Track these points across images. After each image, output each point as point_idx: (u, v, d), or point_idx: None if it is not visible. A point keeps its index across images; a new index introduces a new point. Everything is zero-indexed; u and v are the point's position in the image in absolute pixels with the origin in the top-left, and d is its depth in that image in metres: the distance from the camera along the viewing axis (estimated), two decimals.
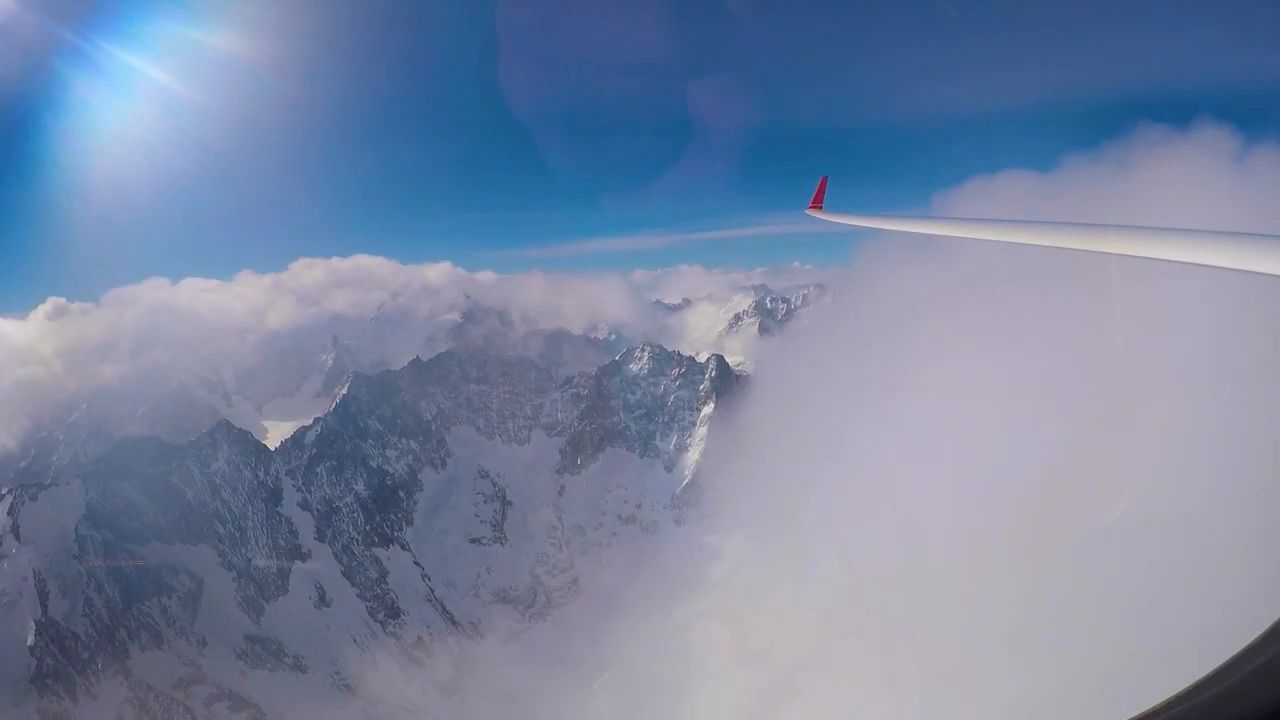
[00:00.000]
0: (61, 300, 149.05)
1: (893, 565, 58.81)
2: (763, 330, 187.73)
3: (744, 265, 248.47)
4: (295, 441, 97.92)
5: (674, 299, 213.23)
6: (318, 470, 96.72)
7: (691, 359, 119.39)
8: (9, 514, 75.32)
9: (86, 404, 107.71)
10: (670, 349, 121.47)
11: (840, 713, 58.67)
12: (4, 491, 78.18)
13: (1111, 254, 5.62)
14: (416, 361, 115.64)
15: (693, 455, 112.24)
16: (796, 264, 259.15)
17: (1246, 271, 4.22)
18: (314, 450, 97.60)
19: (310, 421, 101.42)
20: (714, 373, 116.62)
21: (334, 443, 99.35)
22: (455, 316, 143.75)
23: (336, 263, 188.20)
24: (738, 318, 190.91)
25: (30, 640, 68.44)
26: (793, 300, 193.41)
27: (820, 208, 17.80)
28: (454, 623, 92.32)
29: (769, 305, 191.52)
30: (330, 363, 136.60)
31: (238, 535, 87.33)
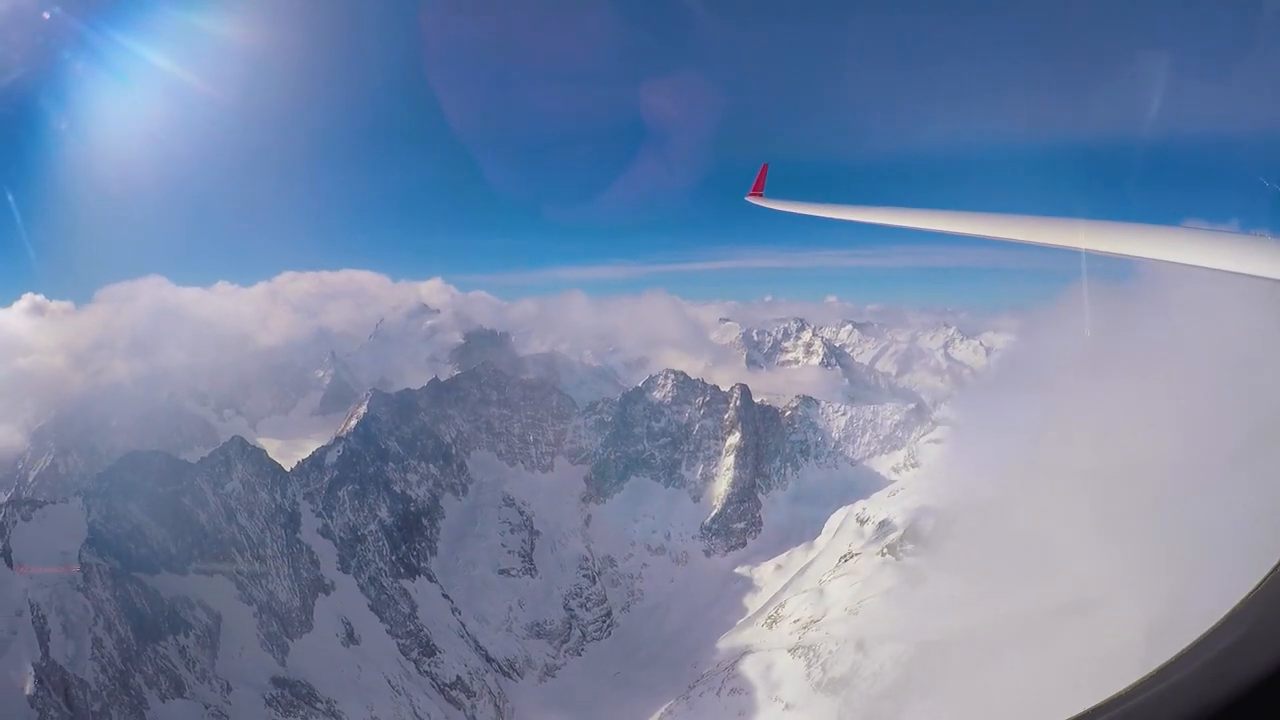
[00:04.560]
0: (39, 297, 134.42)
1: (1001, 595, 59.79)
2: (750, 363, 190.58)
3: (719, 297, 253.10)
4: (314, 463, 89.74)
5: None
6: (339, 494, 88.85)
7: (715, 388, 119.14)
8: None
9: (56, 410, 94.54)
10: (694, 377, 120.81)
11: None
12: None
13: (1081, 250, 5.27)
14: (435, 382, 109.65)
15: (720, 486, 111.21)
16: (769, 298, 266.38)
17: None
18: (335, 473, 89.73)
19: (330, 440, 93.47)
20: (738, 402, 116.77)
21: (356, 465, 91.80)
22: (458, 337, 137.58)
23: (326, 276, 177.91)
24: (724, 349, 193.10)
25: (29, 689, 57.75)
26: (775, 333, 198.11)
27: (760, 195, 17.38)
28: (489, 659, 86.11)
29: (755, 338, 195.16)
30: (328, 380, 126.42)
31: (257, 565, 78.55)
